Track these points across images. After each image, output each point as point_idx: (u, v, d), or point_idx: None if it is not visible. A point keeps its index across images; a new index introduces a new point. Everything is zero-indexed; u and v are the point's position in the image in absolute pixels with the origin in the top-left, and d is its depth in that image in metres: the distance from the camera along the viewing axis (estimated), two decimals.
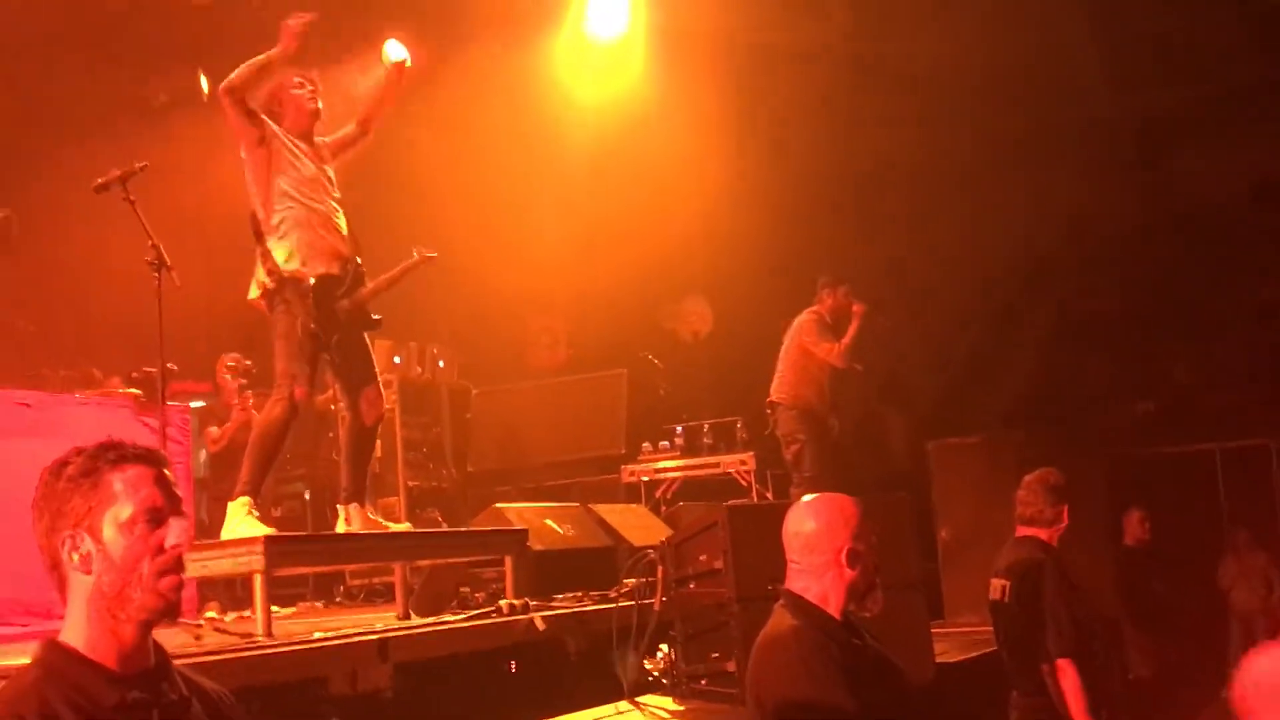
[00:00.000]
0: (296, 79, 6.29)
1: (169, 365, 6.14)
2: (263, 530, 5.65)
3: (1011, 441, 9.25)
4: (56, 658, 2.29)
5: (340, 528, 6.40)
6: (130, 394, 7.45)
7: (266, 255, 6.11)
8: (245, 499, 5.86)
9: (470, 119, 11.91)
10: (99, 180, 5.91)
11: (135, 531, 2.28)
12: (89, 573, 2.28)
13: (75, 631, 2.30)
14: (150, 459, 2.36)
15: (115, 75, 11.29)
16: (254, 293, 6.18)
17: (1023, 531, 5.64)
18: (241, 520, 5.78)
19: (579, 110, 11.90)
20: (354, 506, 6.38)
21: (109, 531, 2.28)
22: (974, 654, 6.99)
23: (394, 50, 6.51)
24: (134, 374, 7.72)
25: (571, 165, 11.87)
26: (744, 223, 11.64)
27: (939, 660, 6.43)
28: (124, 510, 2.28)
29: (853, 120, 11.62)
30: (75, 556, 2.28)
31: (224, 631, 5.29)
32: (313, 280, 6.07)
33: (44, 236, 10.41)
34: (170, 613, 2.34)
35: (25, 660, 2.34)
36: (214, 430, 9.39)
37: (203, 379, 9.80)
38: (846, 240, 11.64)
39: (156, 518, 2.31)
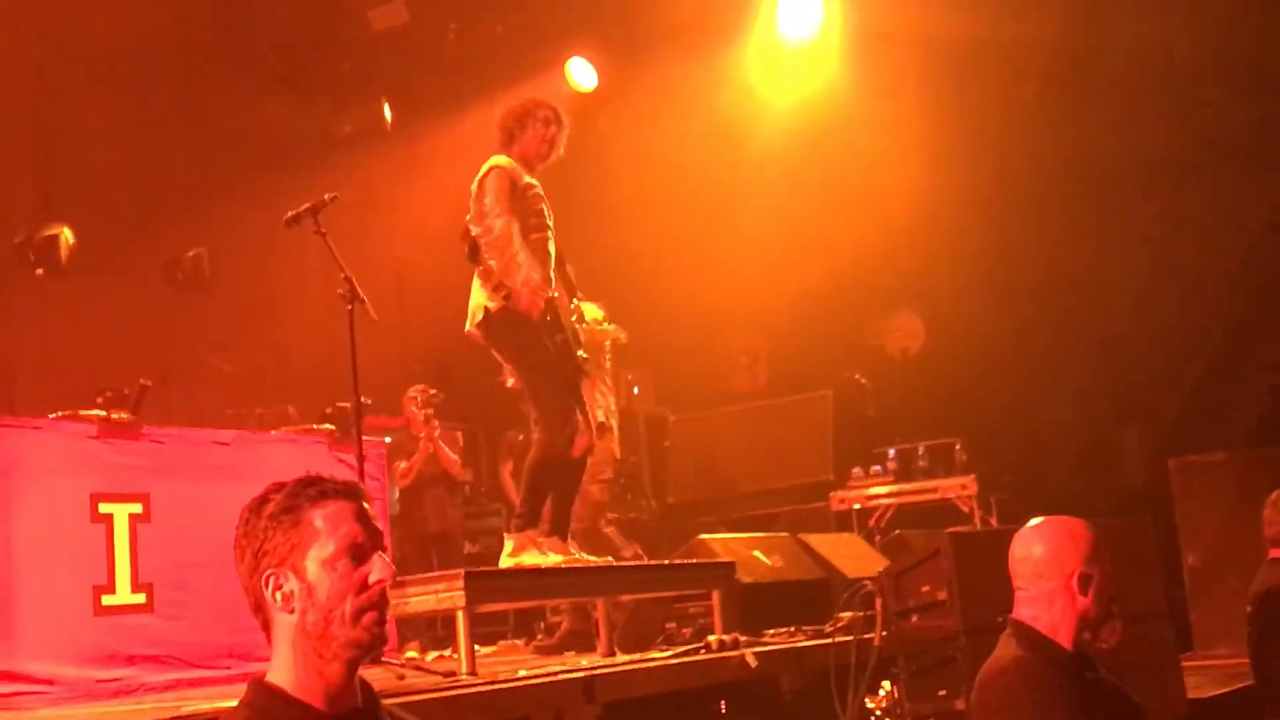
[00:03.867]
0: (551, 111, 6.41)
1: (363, 399, 6.27)
2: (554, 559, 6.04)
3: (1262, 458, 8.82)
4: (264, 698, 2.33)
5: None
6: (325, 430, 7.66)
7: (489, 272, 6.20)
8: (530, 531, 6.23)
9: (659, 130, 11.98)
10: (289, 213, 6.08)
11: (338, 568, 2.32)
12: (292, 612, 2.32)
13: (282, 671, 2.34)
14: (350, 494, 2.39)
15: (302, 108, 11.74)
16: (478, 317, 6.28)
17: (1275, 554, 5.45)
18: (526, 551, 6.14)
19: (773, 116, 11.86)
20: (555, 540, 6.45)
21: (312, 569, 2.32)
22: (1230, 688, 6.69)
23: None
24: (328, 409, 7.96)
25: (766, 174, 11.83)
26: (952, 230, 11.40)
27: (1191, 695, 6.17)
28: (326, 547, 2.32)
29: (1067, 118, 11.28)
30: (279, 596, 2.33)
31: (426, 670, 5.37)
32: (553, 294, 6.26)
33: (237, 273, 10.88)
34: (374, 649, 2.37)
35: (233, 703, 2.40)
36: (402, 465, 9.63)
37: (395, 414, 10.06)
38: (1065, 245, 11.29)
39: (359, 554, 2.34)
